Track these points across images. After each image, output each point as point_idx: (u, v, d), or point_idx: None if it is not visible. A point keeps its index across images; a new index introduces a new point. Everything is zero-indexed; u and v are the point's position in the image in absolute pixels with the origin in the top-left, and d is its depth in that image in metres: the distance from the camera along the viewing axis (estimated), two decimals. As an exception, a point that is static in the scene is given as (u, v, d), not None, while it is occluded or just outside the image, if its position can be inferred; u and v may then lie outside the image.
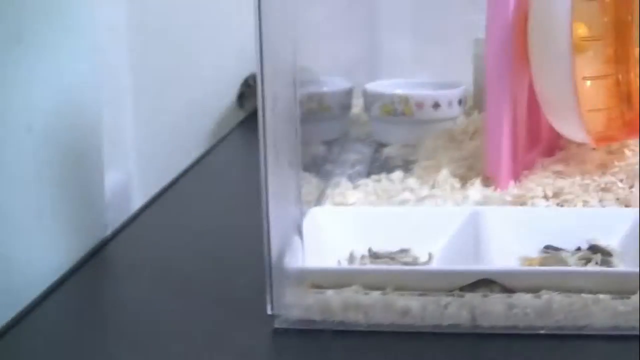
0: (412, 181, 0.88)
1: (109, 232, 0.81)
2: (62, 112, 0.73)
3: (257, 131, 0.57)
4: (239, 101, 1.40)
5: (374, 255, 0.68)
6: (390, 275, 0.60)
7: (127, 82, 1.01)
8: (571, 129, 0.82)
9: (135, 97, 1.07)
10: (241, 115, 1.39)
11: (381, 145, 1.09)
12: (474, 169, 0.88)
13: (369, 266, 0.63)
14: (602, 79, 0.79)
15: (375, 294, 0.59)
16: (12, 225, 0.65)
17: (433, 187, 0.86)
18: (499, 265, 0.62)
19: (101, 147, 0.78)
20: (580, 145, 0.92)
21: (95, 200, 0.79)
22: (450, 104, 1.07)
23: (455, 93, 1.08)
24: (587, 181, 0.81)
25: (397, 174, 0.92)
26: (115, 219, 0.84)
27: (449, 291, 0.59)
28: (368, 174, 0.94)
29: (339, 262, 0.67)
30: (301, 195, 0.61)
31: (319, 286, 0.60)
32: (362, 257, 0.68)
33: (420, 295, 0.59)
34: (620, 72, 0.80)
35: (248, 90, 1.38)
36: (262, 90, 0.55)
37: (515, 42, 0.82)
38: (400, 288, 0.59)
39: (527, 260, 0.66)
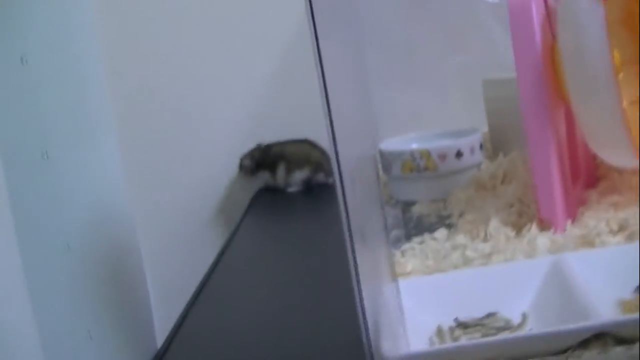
0: (460, 238, 0.84)
1: (158, 344, 0.76)
2: (97, 228, 0.67)
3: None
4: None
5: (463, 325, 0.63)
6: (503, 345, 0.55)
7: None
8: (619, 156, 0.78)
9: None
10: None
11: (407, 204, 1.05)
12: (524, 214, 0.84)
13: (480, 340, 0.58)
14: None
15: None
16: (64, 347, 0.59)
17: (485, 240, 0.82)
18: (612, 316, 0.57)
19: (141, 261, 0.73)
20: (621, 172, 0.89)
21: (142, 315, 0.73)
22: (472, 151, 1.04)
23: (475, 139, 1.05)
24: (648, 208, 0.77)
25: (441, 232, 0.88)
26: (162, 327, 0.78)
27: (560, 353, 0.54)
28: (408, 237, 0.90)
29: (430, 339, 0.61)
30: (394, 272, 0.56)
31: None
32: (451, 328, 0.63)
33: (534, 363, 0.54)
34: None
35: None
36: (339, 171, 0.50)
37: (546, 76, 0.79)
38: (512, 356, 0.54)
39: (625, 304, 0.61)
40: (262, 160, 1.38)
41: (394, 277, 0.58)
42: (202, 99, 1.41)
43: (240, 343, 0.73)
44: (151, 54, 1.42)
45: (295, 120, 1.38)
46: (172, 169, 1.41)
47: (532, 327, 0.61)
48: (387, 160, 1.06)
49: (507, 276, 0.67)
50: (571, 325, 0.55)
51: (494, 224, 0.83)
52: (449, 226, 0.91)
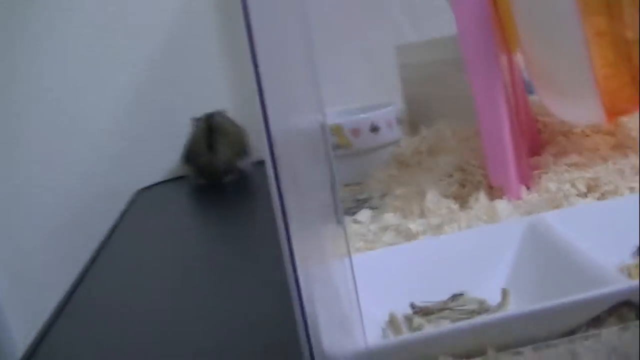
0: (389, 217, 0.68)
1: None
2: None
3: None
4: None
5: (423, 311, 0.47)
6: (489, 329, 0.39)
7: None
8: (581, 104, 0.65)
9: None
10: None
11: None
12: (468, 183, 0.69)
13: (461, 325, 0.42)
14: (608, 36, 0.63)
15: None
16: None
17: (422, 216, 0.67)
18: (632, 281, 0.43)
19: None
20: (568, 135, 0.77)
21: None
22: (389, 125, 0.89)
23: (391, 112, 0.90)
24: (617, 166, 0.64)
25: (364, 214, 0.72)
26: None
27: (568, 334, 0.39)
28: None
29: (383, 331, 0.45)
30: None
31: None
32: (407, 317, 0.47)
33: (536, 349, 0.39)
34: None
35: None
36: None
37: (490, 23, 0.65)
38: (503, 345, 0.39)
39: (631, 268, 0.47)
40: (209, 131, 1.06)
41: (346, 255, 0.42)
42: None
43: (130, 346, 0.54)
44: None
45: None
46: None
47: (515, 307, 0.46)
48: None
49: (470, 246, 0.51)
50: (581, 296, 0.40)
51: (431, 197, 0.68)
52: (371, 208, 0.75)
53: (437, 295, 0.49)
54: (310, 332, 0.38)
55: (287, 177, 0.38)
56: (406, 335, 0.42)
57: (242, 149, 1.08)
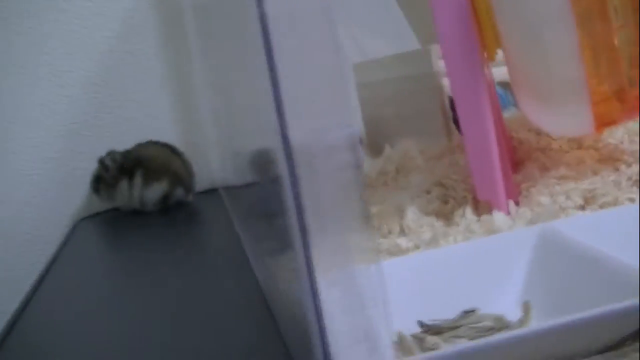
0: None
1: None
2: None
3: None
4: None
5: (433, 330, 0.41)
6: (519, 346, 0.34)
7: None
8: (569, 116, 0.61)
9: None
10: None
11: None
12: (450, 199, 0.65)
13: (491, 340, 0.36)
14: (597, 43, 0.59)
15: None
16: None
17: (402, 233, 0.61)
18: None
19: None
20: (545, 151, 0.73)
21: None
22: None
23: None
24: (611, 178, 0.60)
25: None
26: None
27: (607, 349, 0.34)
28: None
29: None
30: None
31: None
32: (415, 336, 0.41)
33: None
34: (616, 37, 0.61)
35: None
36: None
37: (471, 30, 0.62)
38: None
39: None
40: (122, 164, 1.02)
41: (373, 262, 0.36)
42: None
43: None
44: None
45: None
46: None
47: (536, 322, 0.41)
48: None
49: (477, 258, 0.46)
50: (624, 304, 0.35)
51: (412, 214, 0.63)
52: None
53: (444, 312, 0.43)
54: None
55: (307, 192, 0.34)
56: (432, 353, 0.36)
57: (175, 178, 1.02)
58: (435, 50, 0.81)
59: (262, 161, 0.62)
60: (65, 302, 0.71)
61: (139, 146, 1.04)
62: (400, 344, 0.40)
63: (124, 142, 1.07)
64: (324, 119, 0.41)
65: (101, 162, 1.01)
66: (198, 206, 1.01)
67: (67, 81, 1.09)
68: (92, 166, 1.04)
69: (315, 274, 0.36)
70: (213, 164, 1.09)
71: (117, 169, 1.01)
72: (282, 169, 0.38)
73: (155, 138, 1.06)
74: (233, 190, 0.90)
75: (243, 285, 0.67)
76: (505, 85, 0.79)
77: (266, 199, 0.60)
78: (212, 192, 1.08)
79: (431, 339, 0.39)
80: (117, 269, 0.82)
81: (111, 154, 1.02)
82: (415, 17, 0.93)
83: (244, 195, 0.79)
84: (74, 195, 1.08)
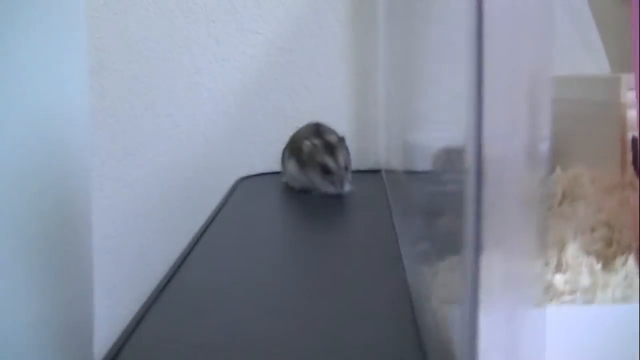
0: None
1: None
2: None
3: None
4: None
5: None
6: None
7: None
8: None
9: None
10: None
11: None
12: (615, 242, 0.64)
13: None
14: None
15: None
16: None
17: (559, 269, 0.61)
18: None
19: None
20: None
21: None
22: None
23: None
24: None
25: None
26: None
27: None
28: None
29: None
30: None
31: None
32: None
33: None
34: None
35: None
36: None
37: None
38: None
39: None
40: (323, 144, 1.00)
41: (542, 304, 0.37)
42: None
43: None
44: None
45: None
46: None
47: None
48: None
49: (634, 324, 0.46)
50: None
51: (573, 251, 0.63)
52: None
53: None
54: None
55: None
56: None
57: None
58: (627, 79, 0.79)
59: (445, 158, 0.63)
60: (225, 250, 0.76)
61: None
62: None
63: (298, 109, 1.11)
64: (523, 129, 0.40)
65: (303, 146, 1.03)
66: (360, 185, 1.04)
67: (254, 42, 1.13)
68: (262, 126, 1.09)
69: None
70: (380, 145, 1.12)
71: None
72: (469, 173, 0.38)
73: (329, 110, 1.10)
74: (397, 175, 0.91)
75: (390, 281, 0.69)
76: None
77: (439, 197, 0.61)
78: (375, 172, 1.10)
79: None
80: (271, 233, 0.86)
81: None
82: (610, 40, 0.90)
83: (409, 186, 0.80)
84: (239, 153, 1.14)
